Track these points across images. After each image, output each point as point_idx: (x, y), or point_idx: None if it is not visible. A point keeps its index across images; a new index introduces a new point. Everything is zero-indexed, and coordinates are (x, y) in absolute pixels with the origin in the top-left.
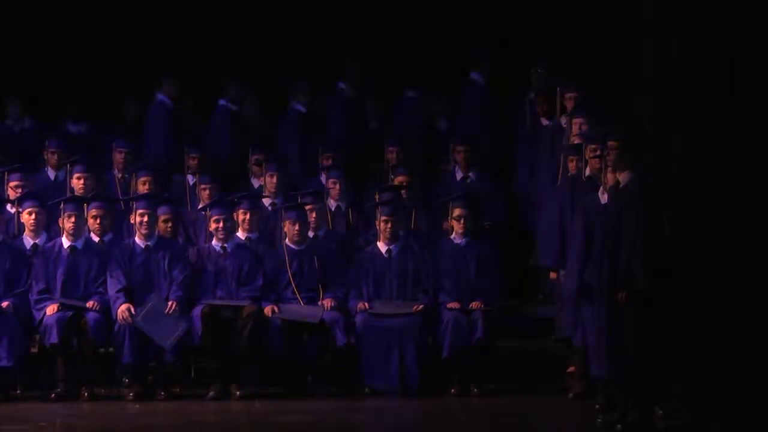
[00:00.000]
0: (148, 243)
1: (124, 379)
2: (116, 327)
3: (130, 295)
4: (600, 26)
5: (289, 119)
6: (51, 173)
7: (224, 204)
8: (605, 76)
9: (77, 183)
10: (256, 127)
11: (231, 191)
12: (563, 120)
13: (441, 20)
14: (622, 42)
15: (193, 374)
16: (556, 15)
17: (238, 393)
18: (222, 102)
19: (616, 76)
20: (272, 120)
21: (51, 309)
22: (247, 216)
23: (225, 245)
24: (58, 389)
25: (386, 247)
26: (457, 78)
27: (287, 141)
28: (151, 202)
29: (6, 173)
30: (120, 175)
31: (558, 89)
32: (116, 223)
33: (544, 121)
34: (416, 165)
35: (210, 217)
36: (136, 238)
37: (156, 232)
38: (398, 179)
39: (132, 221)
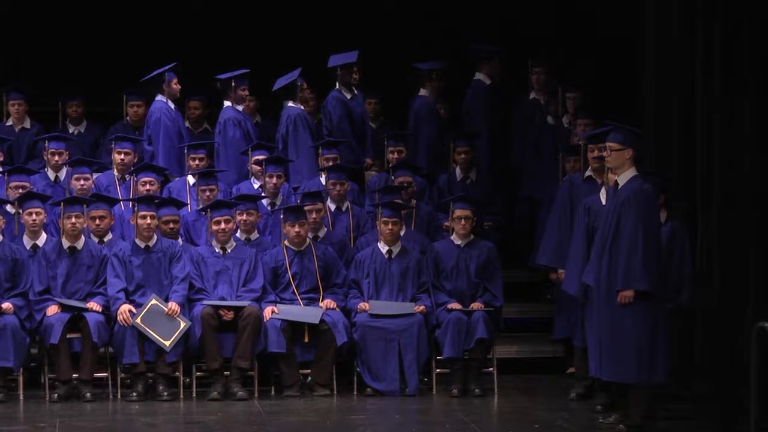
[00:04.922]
0: (149, 244)
1: (125, 380)
2: (116, 328)
3: (130, 295)
4: (604, 27)
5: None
6: (51, 174)
7: (224, 205)
8: (608, 77)
9: (77, 184)
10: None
11: None
12: (566, 120)
13: (441, 19)
14: (626, 42)
15: (193, 375)
16: (559, 14)
17: (238, 393)
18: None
19: (619, 76)
20: (274, 120)
21: (51, 310)
22: (246, 217)
23: (225, 246)
24: (59, 390)
25: (387, 248)
26: (461, 78)
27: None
28: (153, 204)
29: (6, 174)
30: (119, 176)
31: (560, 89)
32: (116, 224)
33: (550, 121)
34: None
35: (210, 219)
36: (137, 239)
37: (156, 234)
38: (399, 180)
39: (132, 223)
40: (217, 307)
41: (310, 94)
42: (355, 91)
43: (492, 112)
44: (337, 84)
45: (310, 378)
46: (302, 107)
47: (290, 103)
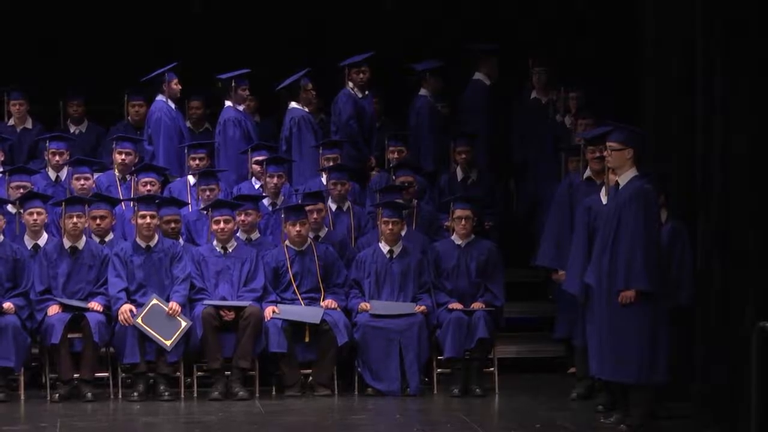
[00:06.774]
0: (150, 244)
1: (126, 380)
2: (117, 327)
3: (131, 295)
4: (604, 26)
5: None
6: (52, 174)
7: (225, 205)
8: (609, 77)
9: (77, 183)
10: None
11: None
12: (568, 120)
13: (443, 19)
14: (626, 41)
15: (194, 375)
16: (560, 14)
17: (239, 393)
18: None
19: (619, 76)
20: (274, 120)
21: (52, 310)
22: (245, 218)
23: (226, 246)
24: (60, 390)
25: (388, 248)
26: (461, 78)
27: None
28: (153, 203)
29: (7, 174)
30: (120, 176)
31: (562, 89)
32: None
33: (559, 119)
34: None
35: (211, 218)
36: (138, 239)
37: (157, 234)
38: (401, 179)
39: (133, 222)
40: (218, 307)
41: (314, 96)
42: (366, 92)
43: (491, 111)
44: (350, 83)
45: (311, 378)
46: (306, 109)
47: (293, 104)
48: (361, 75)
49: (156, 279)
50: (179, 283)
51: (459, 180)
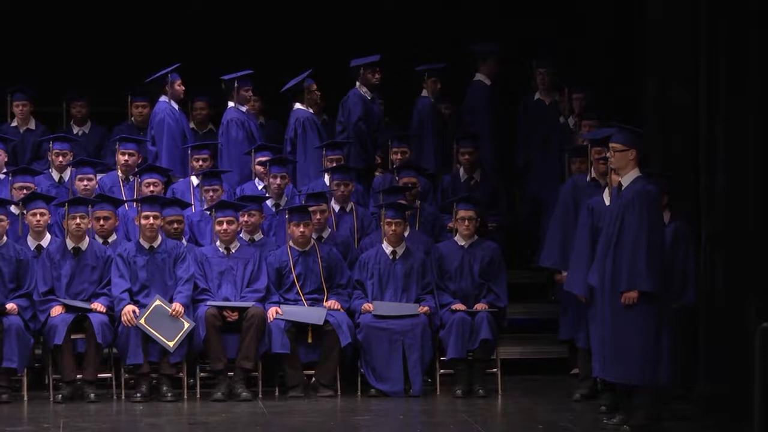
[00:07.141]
0: (153, 245)
1: (129, 381)
2: (120, 328)
3: (134, 296)
4: (604, 26)
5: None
6: (55, 175)
7: (229, 206)
8: (611, 78)
9: (80, 184)
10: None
11: None
12: (571, 121)
13: (443, 20)
14: (628, 42)
15: (197, 375)
16: (559, 14)
17: (242, 394)
18: None
19: (621, 77)
20: (278, 121)
21: (56, 310)
22: (248, 218)
23: (229, 247)
24: (63, 390)
25: (391, 249)
26: (463, 79)
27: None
28: (156, 204)
29: (11, 175)
30: (123, 177)
31: (566, 90)
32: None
33: (562, 120)
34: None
35: (214, 219)
36: (141, 240)
37: (161, 234)
38: (404, 180)
39: (137, 223)
40: (221, 308)
41: (318, 96)
42: (374, 93)
43: (493, 112)
44: (358, 83)
45: (314, 379)
46: (311, 110)
47: (298, 105)
48: (376, 75)
49: (159, 280)
50: (182, 284)
51: (462, 181)
